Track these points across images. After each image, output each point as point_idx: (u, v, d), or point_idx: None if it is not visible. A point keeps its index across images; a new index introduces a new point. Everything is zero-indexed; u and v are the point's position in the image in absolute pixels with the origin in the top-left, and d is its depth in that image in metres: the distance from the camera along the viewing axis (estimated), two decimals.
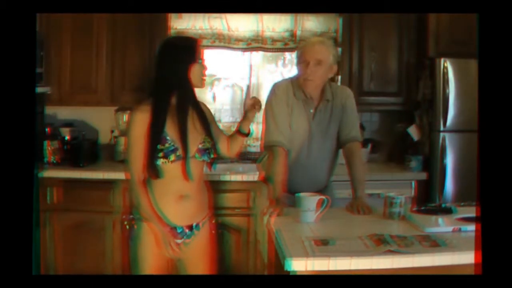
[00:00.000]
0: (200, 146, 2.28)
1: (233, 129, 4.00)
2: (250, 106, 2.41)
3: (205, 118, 2.36)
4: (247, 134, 2.45)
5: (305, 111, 2.65)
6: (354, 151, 2.66)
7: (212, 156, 2.32)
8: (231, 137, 2.49)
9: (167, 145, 2.21)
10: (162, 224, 2.24)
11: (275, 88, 2.69)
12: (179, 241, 2.28)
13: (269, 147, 2.61)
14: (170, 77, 2.24)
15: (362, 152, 3.15)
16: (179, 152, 2.22)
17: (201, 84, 2.31)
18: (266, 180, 2.63)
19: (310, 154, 2.66)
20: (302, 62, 2.58)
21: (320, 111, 2.66)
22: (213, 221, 2.43)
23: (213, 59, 4.18)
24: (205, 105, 2.45)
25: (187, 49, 2.26)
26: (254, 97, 2.46)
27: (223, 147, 2.45)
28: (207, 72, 2.32)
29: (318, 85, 2.62)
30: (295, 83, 2.66)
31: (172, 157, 2.21)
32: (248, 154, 4.08)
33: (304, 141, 2.65)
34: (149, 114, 2.21)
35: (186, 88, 2.26)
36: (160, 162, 2.21)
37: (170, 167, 2.22)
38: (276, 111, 2.61)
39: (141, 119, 2.22)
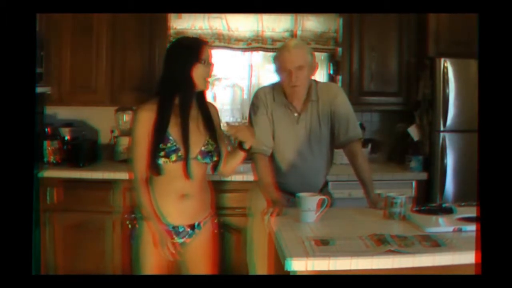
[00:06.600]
0: (203, 148, 2.27)
1: None
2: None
3: (211, 120, 2.34)
4: (248, 150, 2.35)
5: (289, 115, 2.61)
6: (355, 151, 2.62)
7: (214, 159, 2.31)
8: (230, 152, 2.41)
9: (169, 144, 2.21)
10: (161, 224, 2.24)
11: (253, 96, 2.69)
12: (180, 240, 2.29)
13: (250, 154, 2.61)
14: (174, 76, 2.24)
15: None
16: (181, 152, 2.22)
17: (205, 86, 2.30)
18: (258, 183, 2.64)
19: (304, 158, 2.62)
20: (283, 71, 2.54)
21: (305, 113, 2.61)
22: (215, 221, 2.43)
23: (213, 59, 4.18)
24: (214, 107, 2.43)
25: (190, 49, 2.26)
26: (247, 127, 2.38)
27: (220, 162, 2.35)
28: (212, 74, 2.30)
29: (305, 87, 2.59)
30: (277, 88, 2.64)
31: (174, 157, 2.21)
32: (248, 154, 4.06)
33: (293, 145, 2.61)
34: (154, 113, 2.21)
35: (188, 89, 2.26)
36: (161, 161, 2.21)
37: (171, 166, 2.22)
38: (253, 120, 2.61)
39: (146, 118, 2.22)
